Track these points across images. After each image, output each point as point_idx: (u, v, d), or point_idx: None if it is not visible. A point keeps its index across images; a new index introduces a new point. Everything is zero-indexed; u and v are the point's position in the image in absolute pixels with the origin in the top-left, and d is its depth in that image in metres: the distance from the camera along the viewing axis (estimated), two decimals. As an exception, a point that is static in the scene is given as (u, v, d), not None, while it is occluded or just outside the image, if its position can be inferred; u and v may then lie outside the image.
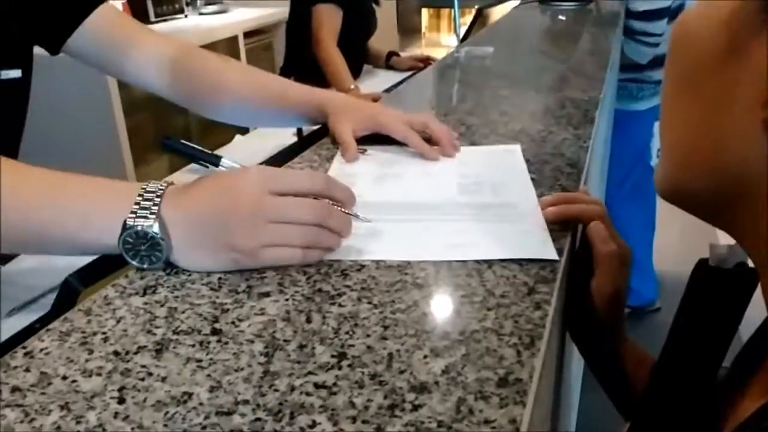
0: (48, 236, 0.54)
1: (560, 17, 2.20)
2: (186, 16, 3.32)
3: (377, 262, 0.56)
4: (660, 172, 0.42)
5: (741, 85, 0.34)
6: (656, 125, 1.93)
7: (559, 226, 0.62)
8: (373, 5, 2.43)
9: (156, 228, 0.52)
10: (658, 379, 0.53)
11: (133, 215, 0.53)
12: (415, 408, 0.39)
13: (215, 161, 0.83)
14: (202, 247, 0.54)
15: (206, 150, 0.70)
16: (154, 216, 0.53)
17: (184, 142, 0.75)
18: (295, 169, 0.79)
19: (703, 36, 0.36)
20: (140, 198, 0.54)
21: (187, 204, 0.55)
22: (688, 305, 0.50)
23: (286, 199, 0.55)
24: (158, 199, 0.54)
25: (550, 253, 0.57)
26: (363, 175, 0.76)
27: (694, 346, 0.50)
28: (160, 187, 0.55)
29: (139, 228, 0.52)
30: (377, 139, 0.85)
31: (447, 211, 0.66)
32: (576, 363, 0.66)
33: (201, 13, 3.44)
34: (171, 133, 2.96)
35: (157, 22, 3.10)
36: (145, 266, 0.54)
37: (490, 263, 0.55)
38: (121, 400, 0.40)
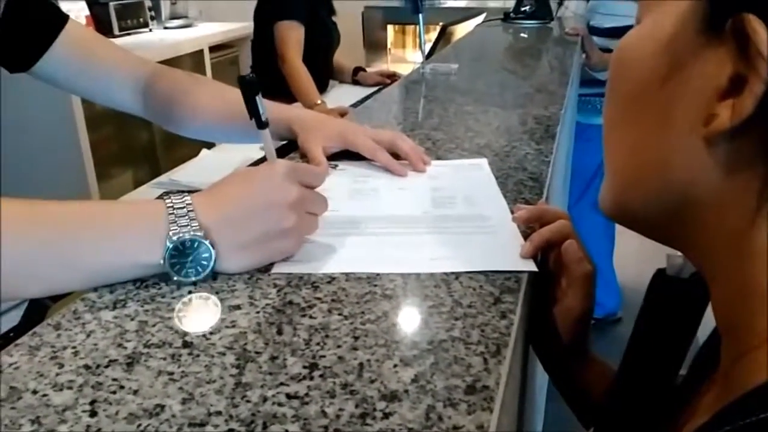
0: (87, 268, 0.52)
1: (522, 35, 2.25)
2: (151, 30, 3.29)
3: (347, 274, 0.57)
4: (605, 193, 0.42)
5: (682, 105, 0.35)
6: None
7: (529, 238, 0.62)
8: (332, 18, 2.45)
9: (203, 235, 0.53)
10: (619, 386, 0.54)
11: (175, 229, 0.52)
12: (386, 416, 0.40)
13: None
14: (248, 244, 0.56)
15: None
16: (197, 224, 0.53)
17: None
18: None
19: (644, 60, 0.37)
20: (171, 210, 0.53)
21: (222, 207, 0.55)
22: (647, 314, 0.52)
23: (317, 193, 0.60)
24: (190, 207, 0.54)
25: (529, 265, 0.58)
26: (338, 189, 0.76)
27: (653, 354, 0.51)
28: (186, 198, 0.54)
29: (186, 239, 0.52)
30: (346, 154, 0.86)
31: (425, 224, 0.67)
32: (541, 368, 0.68)
33: (166, 27, 3.42)
34: (136, 147, 2.93)
35: (121, 35, 3.07)
36: (192, 279, 0.54)
37: (457, 274, 0.56)
38: (93, 413, 0.40)
